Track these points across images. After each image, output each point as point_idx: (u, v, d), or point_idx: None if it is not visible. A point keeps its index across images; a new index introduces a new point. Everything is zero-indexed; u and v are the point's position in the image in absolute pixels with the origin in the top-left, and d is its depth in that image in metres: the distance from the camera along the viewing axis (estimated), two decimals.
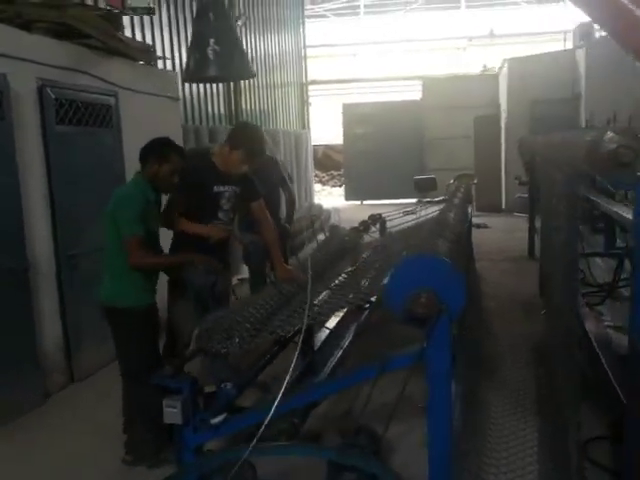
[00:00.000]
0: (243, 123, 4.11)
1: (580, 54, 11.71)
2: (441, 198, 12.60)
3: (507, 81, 12.93)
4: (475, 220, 9.44)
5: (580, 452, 3.04)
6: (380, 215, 6.42)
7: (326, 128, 17.09)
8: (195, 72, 4.95)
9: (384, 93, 16.52)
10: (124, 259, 3.06)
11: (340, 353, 3.46)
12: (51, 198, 4.39)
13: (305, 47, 16.15)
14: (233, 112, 10.87)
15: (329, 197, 18.32)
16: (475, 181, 12.88)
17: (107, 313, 3.21)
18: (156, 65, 5.83)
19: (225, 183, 3.54)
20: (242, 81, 11.35)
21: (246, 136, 3.54)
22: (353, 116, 16.05)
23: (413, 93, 16.05)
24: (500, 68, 14.33)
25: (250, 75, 5.68)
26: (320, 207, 13.26)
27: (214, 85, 10.03)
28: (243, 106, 11.32)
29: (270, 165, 5.33)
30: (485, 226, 11.72)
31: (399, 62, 16.35)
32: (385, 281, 2.36)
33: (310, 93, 16.09)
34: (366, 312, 4.35)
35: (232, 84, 10.87)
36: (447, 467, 2.28)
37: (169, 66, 7.21)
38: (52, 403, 4.27)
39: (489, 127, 13.40)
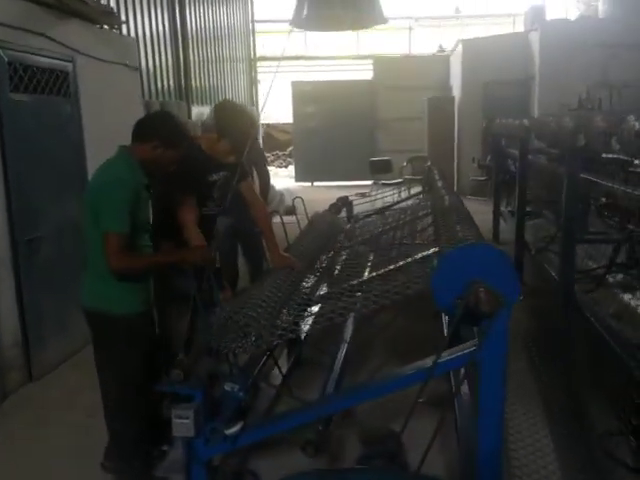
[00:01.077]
0: (228, 104, 3.49)
1: (534, 36, 11.76)
2: (397, 180, 12.53)
3: (461, 62, 12.86)
4: None
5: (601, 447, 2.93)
6: (347, 197, 6.23)
7: (275, 107, 16.62)
8: (314, 13, 3.57)
9: (335, 72, 16.17)
10: None
11: (345, 348, 3.18)
12: (4, 174, 3.86)
13: (253, 21, 15.59)
14: (183, 87, 10.35)
15: (275, 178, 17.88)
16: (429, 163, 12.85)
17: (89, 318, 2.63)
18: (119, 30, 5.30)
19: (217, 170, 3.17)
20: (192, 54, 10.84)
21: (234, 123, 3.08)
22: (303, 94, 15.63)
23: (364, 72, 15.77)
24: (453, 49, 14.27)
25: (383, 20, 4.30)
26: (273, 188, 12.87)
27: (163, 57, 9.48)
28: (192, 81, 10.80)
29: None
30: None
31: (350, 40, 16.02)
32: (431, 274, 2.10)
33: (260, 70, 15.57)
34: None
35: (182, 56, 10.34)
36: (498, 470, 2.08)
37: (124, 31, 6.62)
38: (10, 405, 3.81)
39: (443, 108, 13.33)
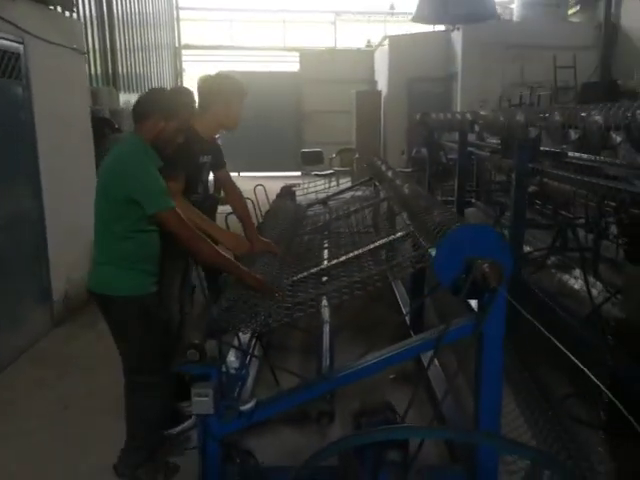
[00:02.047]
0: (213, 76, 3.42)
1: (456, 36, 12.29)
2: (329, 172, 12.74)
3: (388, 58, 13.23)
4: None
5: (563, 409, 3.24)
6: (291, 187, 6.39)
7: None
8: (439, 10, 4.22)
9: (261, 63, 16.14)
10: (130, 243, 2.51)
11: (328, 328, 3.31)
12: None
13: (178, 8, 15.29)
14: (110, 73, 10.06)
15: None
16: (357, 156, 13.16)
17: (99, 302, 2.62)
18: (71, 12, 5.11)
19: (206, 152, 3.18)
20: (118, 40, 10.54)
21: (234, 84, 3.17)
22: None
23: (291, 64, 15.87)
24: (378, 45, 14.63)
25: (493, 15, 5.16)
26: None
27: (90, 42, 9.18)
28: (120, 68, 10.51)
29: None
30: None
31: (277, 32, 16.04)
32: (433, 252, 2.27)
33: (184, 58, 15.31)
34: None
35: (109, 42, 10.05)
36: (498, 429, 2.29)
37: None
38: None
39: (370, 102, 13.67)
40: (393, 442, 2.26)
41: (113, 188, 2.46)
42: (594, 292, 3.93)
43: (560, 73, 11.67)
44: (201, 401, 2.19)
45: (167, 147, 2.63)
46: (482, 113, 5.00)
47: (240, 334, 2.78)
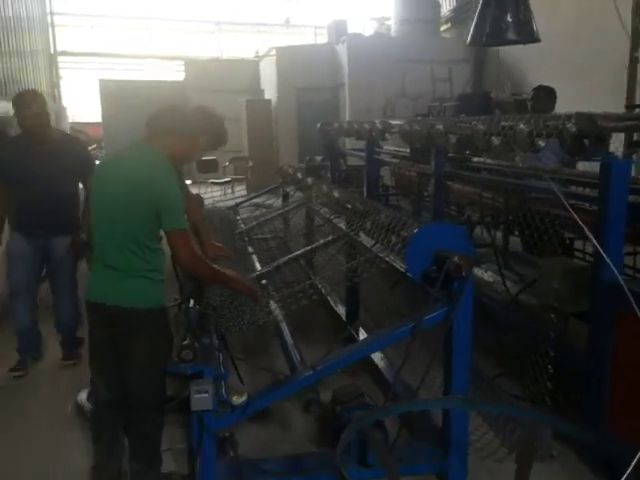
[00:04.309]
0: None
1: (341, 48, 12.84)
2: (226, 179, 12.77)
3: (276, 68, 13.52)
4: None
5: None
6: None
7: (81, 104, 15.67)
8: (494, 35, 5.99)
9: (144, 72, 15.77)
10: (159, 254, 2.52)
11: (286, 326, 3.46)
12: None
13: (52, 13, 14.56)
14: None
15: None
16: (250, 164, 13.28)
17: (125, 318, 2.48)
18: None
19: None
20: None
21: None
22: (111, 93, 14.98)
23: (176, 73, 15.68)
24: (264, 55, 14.87)
25: (538, 39, 6.80)
26: None
27: None
28: None
29: None
30: None
31: (161, 40, 15.75)
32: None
33: (62, 65, 14.59)
34: None
35: None
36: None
37: None
38: None
39: (260, 111, 13.85)
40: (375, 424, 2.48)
41: (144, 203, 2.41)
42: (508, 283, 4.39)
43: (437, 85, 12.61)
44: (201, 397, 2.26)
45: (181, 165, 2.67)
46: (396, 122, 5.36)
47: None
